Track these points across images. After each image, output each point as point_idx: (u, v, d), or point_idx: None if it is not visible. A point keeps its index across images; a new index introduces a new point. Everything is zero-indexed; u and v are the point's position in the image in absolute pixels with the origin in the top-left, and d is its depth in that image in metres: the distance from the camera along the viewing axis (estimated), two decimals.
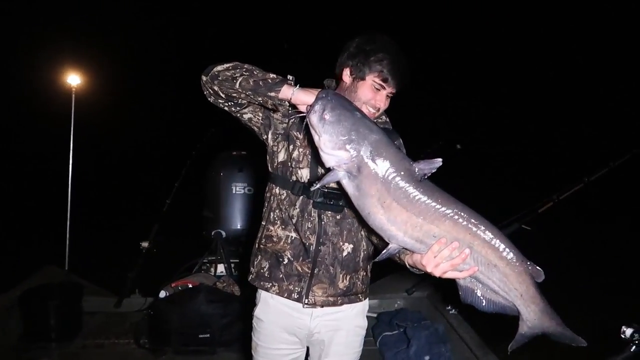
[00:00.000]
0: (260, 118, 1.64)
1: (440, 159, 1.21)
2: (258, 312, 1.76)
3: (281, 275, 1.67)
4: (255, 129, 1.68)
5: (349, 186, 1.26)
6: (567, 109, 13.09)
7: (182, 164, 3.93)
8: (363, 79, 1.59)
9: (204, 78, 1.52)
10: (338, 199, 1.62)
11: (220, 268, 3.67)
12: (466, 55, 14.59)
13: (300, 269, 1.66)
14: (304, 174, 1.63)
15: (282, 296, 1.67)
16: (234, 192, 3.72)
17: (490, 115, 13.01)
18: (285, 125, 1.64)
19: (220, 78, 1.49)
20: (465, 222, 1.21)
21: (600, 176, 3.03)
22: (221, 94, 1.52)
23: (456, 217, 1.21)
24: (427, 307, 3.21)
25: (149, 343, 3.06)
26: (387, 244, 1.29)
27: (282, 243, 1.67)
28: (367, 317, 3.41)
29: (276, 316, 1.71)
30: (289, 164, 1.64)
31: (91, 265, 4.29)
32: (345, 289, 1.67)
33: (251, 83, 1.45)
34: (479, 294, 1.32)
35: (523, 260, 1.25)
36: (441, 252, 1.22)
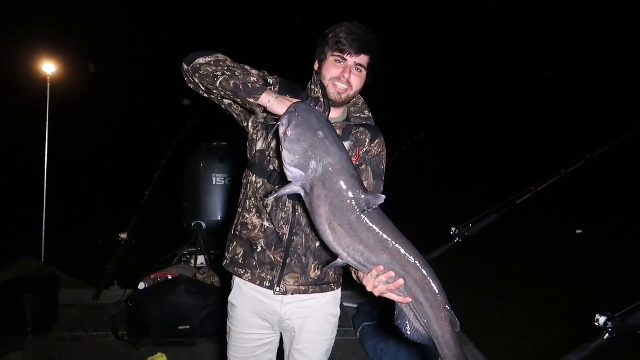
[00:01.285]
0: (239, 106, 1.63)
1: (383, 197, 1.28)
2: (232, 297, 1.78)
3: (254, 263, 1.68)
4: (235, 115, 1.68)
5: (305, 200, 1.35)
6: (546, 101, 13.26)
7: (162, 155, 3.89)
8: (326, 58, 1.60)
9: (185, 67, 1.51)
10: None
11: (201, 259, 3.65)
12: (447, 47, 14.66)
13: (272, 258, 1.67)
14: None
15: (255, 283, 1.69)
16: (214, 183, 3.69)
17: (469, 106, 13.12)
18: (266, 115, 1.63)
19: (201, 72, 1.48)
20: (401, 258, 1.31)
21: (577, 168, 3.08)
22: (201, 87, 1.52)
23: (394, 251, 1.31)
24: None
25: (128, 335, 3.02)
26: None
27: (256, 231, 1.68)
28: (348, 307, 3.46)
29: (248, 302, 1.73)
30: (267, 153, 1.65)
31: (68, 257, 4.22)
32: (317, 278, 1.69)
33: (231, 85, 1.45)
34: (409, 320, 1.40)
35: (444, 307, 1.33)
36: (379, 278, 1.32)
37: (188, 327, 2.95)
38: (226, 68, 1.47)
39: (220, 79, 1.46)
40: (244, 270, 1.70)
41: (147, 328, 2.96)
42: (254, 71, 1.52)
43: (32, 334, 2.97)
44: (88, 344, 2.97)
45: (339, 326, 3.02)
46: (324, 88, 1.61)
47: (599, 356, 1.93)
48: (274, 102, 1.43)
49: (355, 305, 3.33)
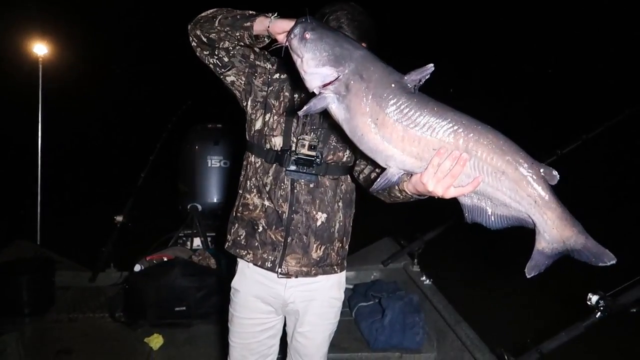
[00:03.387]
0: (242, 83, 1.64)
1: (431, 65, 1.10)
2: (235, 282, 1.78)
3: (256, 244, 1.68)
4: (237, 93, 1.68)
5: (338, 110, 1.17)
6: (542, 81, 13.24)
7: (157, 137, 3.86)
8: None
9: (189, 26, 1.54)
10: (309, 165, 1.62)
11: (197, 242, 3.65)
12: (443, 27, 14.56)
13: (274, 237, 1.67)
14: (277, 142, 1.64)
15: (257, 264, 1.69)
16: (209, 165, 3.68)
17: (467, 85, 13.09)
18: (264, 93, 1.65)
19: (202, 21, 1.51)
20: (465, 129, 1.09)
21: (573, 149, 3.08)
22: (203, 38, 1.52)
23: (455, 125, 1.09)
24: (402, 277, 3.26)
25: (125, 317, 3.04)
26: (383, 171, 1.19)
27: (257, 211, 1.68)
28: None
29: (252, 286, 1.73)
30: (264, 131, 1.65)
31: (64, 240, 4.21)
32: (318, 259, 1.69)
33: (229, 19, 1.46)
34: (488, 210, 1.19)
35: (533, 163, 1.11)
36: (442, 165, 1.10)
37: (184, 308, 2.97)
38: (225, 10, 1.50)
39: (219, 17, 1.48)
40: (245, 252, 1.70)
41: (143, 309, 2.98)
42: (254, 64, 1.57)
43: (29, 316, 2.98)
44: (84, 325, 2.98)
45: None
46: None
47: (591, 335, 1.96)
48: (276, 20, 1.36)
49: (351, 286, 3.36)
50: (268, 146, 1.64)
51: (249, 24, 1.42)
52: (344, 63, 1.13)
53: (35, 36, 3.85)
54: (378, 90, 1.11)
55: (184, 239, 3.70)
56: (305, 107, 1.16)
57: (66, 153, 7.72)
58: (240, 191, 1.74)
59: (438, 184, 1.12)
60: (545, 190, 1.12)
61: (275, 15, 1.39)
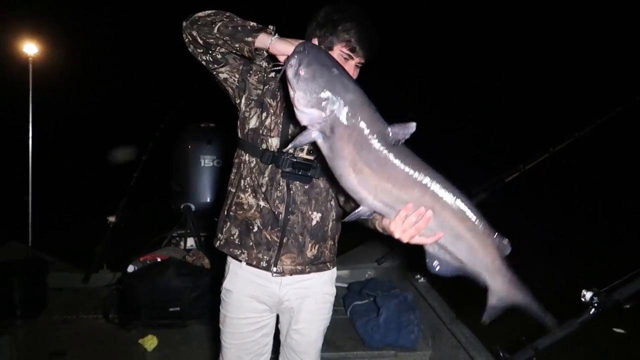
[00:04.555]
0: (236, 80, 1.61)
1: (414, 123, 1.16)
2: (227, 283, 1.76)
3: (251, 243, 1.67)
4: (230, 90, 1.65)
5: (323, 146, 1.23)
6: (533, 81, 13.29)
7: (150, 137, 3.84)
8: (331, 49, 1.57)
9: (184, 23, 1.50)
10: (307, 169, 1.62)
11: (190, 242, 3.64)
12: (435, 29, 14.58)
13: (269, 238, 1.66)
14: (274, 142, 1.62)
15: (251, 264, 1.68)
16: (202, 164, 3.66)
17: (457, 85, 13.12)
18: (259, 91, 1.62)
19: (199, 23, 1.46)
20: (434, 190, 1.20)
21: (566, 146, 3.10)
22: (199, 40, 1.49)
23: (426, 184, 1.19)
24: (396, 276, 3.26)
25: (118, 318, 3.02)
26: (358, 206, 1.28)
27: (252, 211, 1.66)
28: (338, 287, 3.45)
29: (245, 286, 1.72)
30: (260, 131, 1.62)
31: (56, 241, 4.19)
32: (313, 257, 1.69)
33: (229, 28, 1.42)
34: (447, 261, 1.31)
35: (490, 233, 1.26)
36: (408, 218, 1.21)
37: (178, 308, 2.95)
38: (225, 16, 1.45)
39: (219, 24, 1.43)
40: (240, 251, 1.68)
41: (137, 310, 2.96)
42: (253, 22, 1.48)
43: (21, 318, 2.95)
44: (78, 327, 2.96)
45: None
46: None
47: (585, 331, 1.96)
48: (277, 42, 1.36)
49: (346, 285, 3.36)
50: (264, 146, 1.62)
51: (250, 39, 1.39)
52: (332, 107, 1.17)
53: (25, 36, 3.81)
54: (360, 138, 1.17)
55: (178, 239, 3.69)
56: (292, 142, 1.24)
57: (58, 153, 7.67)
58: (233, 189, 1.71)
59: (403, 233, 1.24)
60: (497, 258, 1.28)
61: (276, 36, 1.37)
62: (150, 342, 2.74)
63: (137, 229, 3.69)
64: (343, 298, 3.19)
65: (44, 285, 3.20)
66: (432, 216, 1.21)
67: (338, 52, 1.57)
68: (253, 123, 1.64)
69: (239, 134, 1.69)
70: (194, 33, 1.48)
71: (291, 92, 1.22)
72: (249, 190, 1.66)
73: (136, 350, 2.70)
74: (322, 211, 1.68)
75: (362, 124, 1.17)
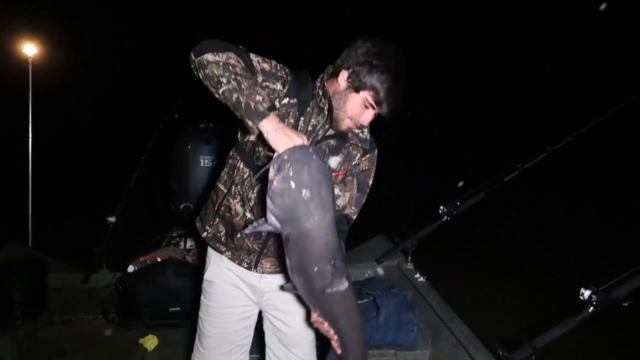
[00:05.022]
0: None
1: (347, 284, 1.30)
2: (208, 274, 1.81)
3: (234, 246, 1.72)
4: None
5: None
6: (531, 80, 13.30)
7: (149, 137, 3.84)
8: (357, 91, 1.51)
9: (192, 56, 1.40)
10: None
11: (190, 242, 3.64)
12: (435, 28, 14.60)
13: (250, 246, 1.71)
14: None
15: (234, 262, 1.73)
16: (201, 165, 3.65)
17: (456, 87, 13.12)
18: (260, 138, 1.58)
19: (206, 71, 1.35)
20: (343, 334, 1.43)
21: (563, 145, 3.11)
22: (203, 82, 1.43)
23: (340, 327, 1.43)
24: (396, 275, 3.26)
25: (118, 318, 3.02)
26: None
27: (238, 218, 1.69)
28: None
29: (227, 275, 1.77)
30: (257, 148, 1.62)
31: (56, 241, 4.18)
32: None
33: (234, 99, 1.32)
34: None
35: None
36: (316, 321, 1.44)
37: (178, 308, 2.96)
38: (233, 76, 1.32)
39: (224, 87, 1.32)
40: (225, 248, 1.73)
41: (137, 310, 2.97)
42: (262, 86, 1.41)
43: (21, 318, 2.94)
44: (78, 327, 2.96)
45: None
46: (331, 109, 1.55)
47: (584, 329, 1.97)
48: (273, 134, 1.28)
49: None
50: (259, 163, 1.61)
51: (250, 123, 1.31)
52: (289, 226, 1.25)
53: (24, 36, 3.81)
54: (302, 264, 1.29)
55: (177, 239, 3.69)
56: (252, 229, 1.33)
57: (57, 154, 7.66)
58: (224, 189, 1.72)
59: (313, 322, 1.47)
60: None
61: (275, 126, 1.29)
62: (150, 342, 2.75)
63: (136, 229, 3.68)
64: None
65: (43, 286, 3.20)
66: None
67: (363, 97, 1.51)
68: (253, 137, 1.61)
69: (239, 137, 1.70)
70: (200, 76, 1.40)
71: (268, 185, 1.25)
72: (238, 198, 1.68)
73: (136, 350, 2.71)
74: None
75: (308, 256, 1.27)
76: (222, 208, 1.72)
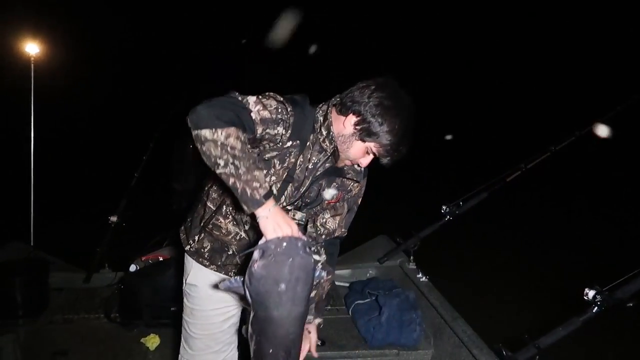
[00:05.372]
0: None
1: None
2: (191, 278, 1.79)
3: (220, 263, 1.74)
4: None
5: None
6: (533, 80, 13.28)
7: (150, 136, 3.83)
8: (363, 141, 1.51)
9: (189, 124, 1.35)
10: (286, 212, 1.62)
11: None
12: (435, 28, 14.58)
13: (239, 262, 1.73)
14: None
15: (219, 273, 1.75)
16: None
17: (458, 85, 13.11)
18: (272, 154, 1.54)
19: (203, 148, 1.33)
20: None
21: (566, 145, 3.10)
22: (200, 154, 1.39)
23: None
24: (398, 275, 3.25)
25: (120, 317, 3.01)
26: None
27: (230, 237, 1.70)
28: (340, 286, 3.48)
29: (210, 279, 1.76)
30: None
31: (57, 241, 4.17)
32: None
33: (230, 183, 1.32)
34: None
35: None
36: None
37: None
38: (231, 160, 1.30)
39: (221, 170, 1.32)
40: (208, 263, 1.74)
41: (139, 310, 2.96)
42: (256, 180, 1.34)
43: (23, 318, 2.94)
44: (80, 326, 2.96)
45: (331, 305, 3.05)
46: (336, 152, 1.57)
47: (588, 329, 1.96)
48: (264, 221, 1.30)
49: (347, 284, 3.35)
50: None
51: (245, 207, 1.33)
52: (256, 307, 1.30)
53: (27, 35, 3.81)
54: (260, 340, 1.33)
55: None
56: (228, 287, 1.34)
57: (59, 153, 7.66)
58: (212, 206, 1.70)
59: None
60: None
61: (270, 210, 1.31)
62: (152, 341, 2.74)
63: (138, 228, 3.68)
64: (345, 297, 3.19)
65: (45, 285, 3.19)
66: None
67: (367, 145, 1.51)
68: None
69: None
70: (196, 145, 1.36)
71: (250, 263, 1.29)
72: (230, 217, 1.68)
73: (138, 349, 2.71)
74: None
75: (269, 343, 1.32)
76: (210, 226, 1.71)
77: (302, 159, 1.57)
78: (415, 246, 3.18)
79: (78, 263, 3.68)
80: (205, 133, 1.30)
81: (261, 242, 1.29)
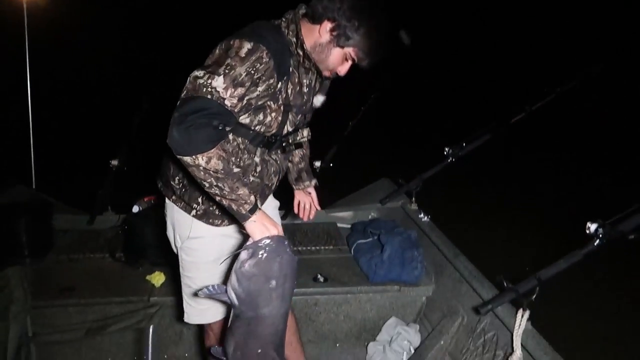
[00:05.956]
0: None
1: None
2: (194, 233, 1.75)
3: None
4: None
5: (231, 312, 1.43)
6: (542, 17, 12.99)
7: (151, 80, 3.77)
8: (342, 47, 1.49)
9: (171, 147, 1.33)
10: (289, 142, 1.69)
11: None
12: None
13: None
14: (269, 131, 1.60)
15: (227, 225, 1.73)
16: None
17: (463, 26, 12.83)
18: (262, 101, 1.49)
19: (188, 170, 1.38)
20: None
21: (572, 87, 3.05)
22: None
23: None
24: (400, 216, 3.27)
25: (125, 257, 3.05)
26: None
27: None
28: (342, 228, 3.50)
29: (218, 230, 1.75)
30: (254, 123, 1.57)
31: (59, 184, 4.19)
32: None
33: (217, 199, 1.41)
34: None
35: None
36: None
37: None
38: (215, 182, 1.36)
39: (208, 189, 1.40)
40: (220, 220, 1.70)
41: (143, 249, 2.98)
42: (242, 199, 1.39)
43: (30, 257, 2.97)
44: (85, 265, 3.00)
45: (333, 244, 3.08)
46: (318, 69, 1.58)
47: (589, 262, 1.98)
48: (253, 225, 1.40)
49: (349, 226, 3.39)
50: (257, 129, 1.58)
51: (234, 215, 1.41)
52: (247, 308, 1.36)
53: None
54: (247, 343, 1.40)
55: None
56: (203, 292, 1.38)
57: (57, 97, 7.57)
58: None
59: None
60: None
61: (255, 216, 1.39)
62: (157, 278, 2.78)
63: (140, 171, 3.67)
64: (347, 237, 3.22)
65: (50, 226, 3.22)
66: None
67: (346, 52, 1.51)
68: (247, 121, 1.55)
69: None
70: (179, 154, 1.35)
71: (236, 264, 1.35)
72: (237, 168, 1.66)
73: (144, 285, 2.75)
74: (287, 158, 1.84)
75: (257, 339, 1.40)
76: None
77: (291, 87, 1.56)
78: (417, 187, 3.18)
79: (80, 207, 3.70)
80: (187, 160, 1.33)
81: (248, 243, 1.37)
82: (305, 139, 1.80)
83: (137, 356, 2.67)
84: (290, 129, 1.63)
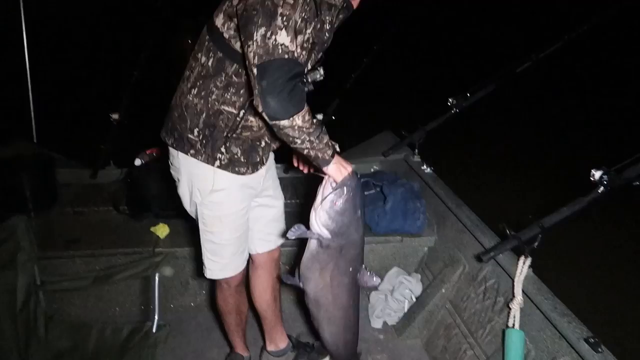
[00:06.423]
0: None
1: (378, 280, 1.63)
2: (217, 185, 1.73)
3: (258, 159, 1.74)
4: None
5: (311, 246, 1.55)
6: None
7: (149, 32, 3.68)
8: None
9: (265, 116, 1.38)
10: (308, 81, 1.59)
11: None
12: None
13: (274, 146, 1.78)
14: None
15: (251, 173, 1.75)
16: None
17: None
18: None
19: (282, 132, 1.43)
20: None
21: (580, 34, 2.96)
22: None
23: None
24: (403, 168, 3.26)
25: (129, 210, 3.07)
26: None
27: (262, 131, 1.69)
28: None
29: (238, 180, 1.75)
30: None
31: (61, 139, 4.17)
32: None
33: (305, 153, 1.49)
34: None
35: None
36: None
37: None
38: (307, 137, 1.43)
39: (298, 145, 1.46)
40: (245, 168, 1.71)
41: (147, 202, 3.00)
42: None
43: (34, 210, 3.00)
44: (90, 217, 3.03)
45: None
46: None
47: (593, 209, 1.98)
48: (332, 167, 1.50)
49: None
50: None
51: (317, 165, 1.52)
52: (341, 238, 1.51)
53: None
54: (342, 264, 1.57)
55: None
56: (292, 234, 1.49)
57: (55, 49, 7.45)
58: (234, 110, 1.62)
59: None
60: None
61: (334, 159, 1.50)
62: (162, 230, 2.81)
63: (141, 125, 3.64)
64: None
65: (53, 180, 3.23)
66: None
67: None
68: None
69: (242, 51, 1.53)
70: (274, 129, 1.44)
71: (319, 199, 1.49)
72: (255, 111, 1.57)
73: (149, 237, 2.78)
74: None
75: (350, 258, 1.57)
76: (239, 130, 1.64)
77: (319, 24, 1.52)
78: (420, 139, 3.15)
79: (82, 161, 3.69)
80: (284, 123, 1.38)
81: (330, 183, 1.49)
82: (322, 78, 1.68)
83: (144, 305, 2.72)
84: (310, 66, 1.59)
